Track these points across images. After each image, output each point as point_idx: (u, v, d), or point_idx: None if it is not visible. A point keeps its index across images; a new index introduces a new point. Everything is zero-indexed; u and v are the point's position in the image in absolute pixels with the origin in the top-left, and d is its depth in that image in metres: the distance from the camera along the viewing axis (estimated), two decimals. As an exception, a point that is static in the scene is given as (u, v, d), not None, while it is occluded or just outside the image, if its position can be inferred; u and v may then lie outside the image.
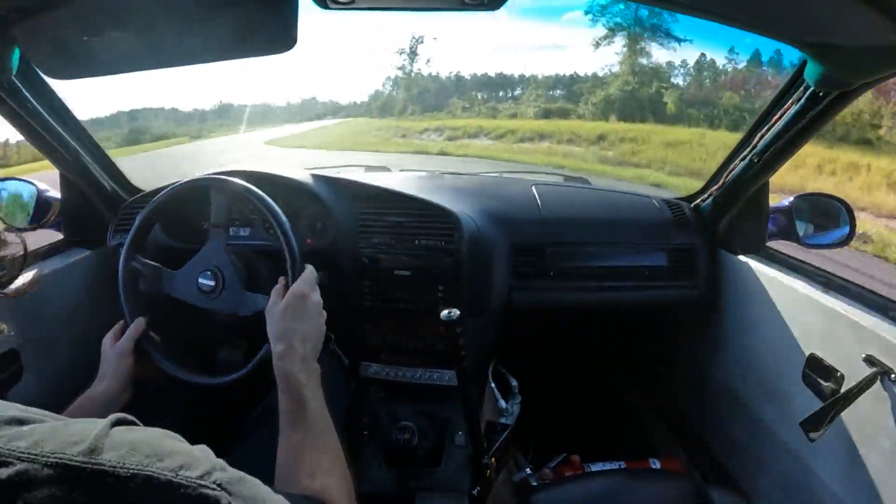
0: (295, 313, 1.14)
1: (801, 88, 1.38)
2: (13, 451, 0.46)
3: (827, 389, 1.42)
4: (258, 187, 1.36)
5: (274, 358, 1.07)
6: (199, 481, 0.49)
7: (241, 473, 0.56)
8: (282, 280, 1.23)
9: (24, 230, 1.65)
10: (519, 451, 1.84)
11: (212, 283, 1.35)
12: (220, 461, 0.55)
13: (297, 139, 27.42)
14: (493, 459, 1.65)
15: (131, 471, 0.47)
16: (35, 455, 0.46)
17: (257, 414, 1.48)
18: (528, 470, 1.75)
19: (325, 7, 1.21)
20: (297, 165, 1.90)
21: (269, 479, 0.92)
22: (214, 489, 0.50)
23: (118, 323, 1.36)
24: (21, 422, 0.50)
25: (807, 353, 1.51)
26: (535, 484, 1.68)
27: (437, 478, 1.61)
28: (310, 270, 1.24)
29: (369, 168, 2.30)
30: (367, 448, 1.65)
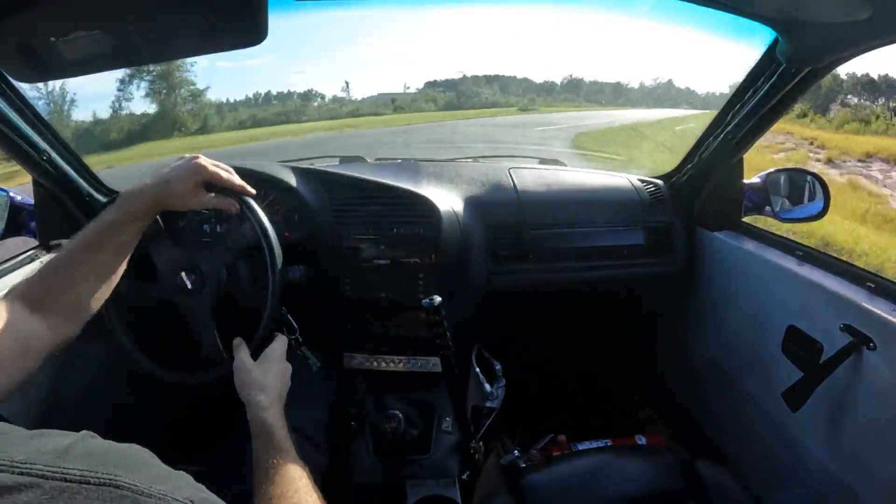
0: (267, 365, 1.18)
1: (773, 66, 1.40)
2: None
3: (806, 359, 1.45)
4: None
5: (252, 410, 1.08)
6: (170, 495, 0.49)
7: (216, 497, 0.56)
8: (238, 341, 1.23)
9: None
10: (506, 433, 1.86)
11: (193, 280, 1.34)
12: (198, 485, 0.55)
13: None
14: (480, 444, 1.66)
15: (101, 480, 0.47)
16: (6, 464, 0.45)
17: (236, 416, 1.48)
18: (516, 452, 1.76)
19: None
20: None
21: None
22: (184, 503, 0.50)
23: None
24: None
25: (785, 325, 1.54)
26: (523, 466, 1.69)
27: (427, 465, 1.62)
28: (282, 341, 1.26)
29: (344, 159, 2.28)
30: (355, 439, 1.66)
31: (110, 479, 0.47)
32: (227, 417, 1.33)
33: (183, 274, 1.35)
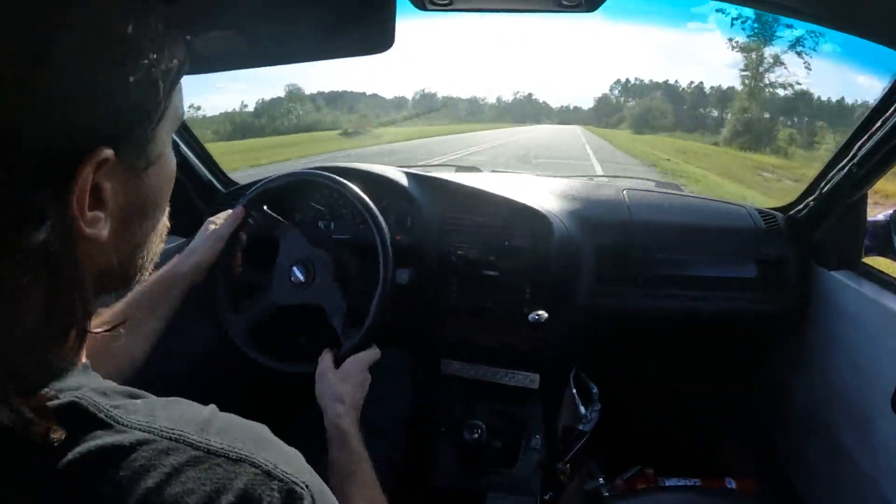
0: (349, 376, 1.23)
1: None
2: (135, 421, 0.49)
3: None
4: (349, 182, 1.40)
5: (329, 417, 1.14)
6: (291, 477, 0.51)
7: (324, 484, 0.58)
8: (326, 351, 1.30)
9: None
10: (594, 459, 1.82)
11: (303, 274, 1.39)
12: (309, 467, 0.58)
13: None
14: (567, 466, 1.63)
15: (240, 455, 0.50)
16: (154, 428, 0.49)
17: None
18: (601, 479, 1.72)
19: (423, 8, 1.23)
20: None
21: None
22: (302, 488, 0.52)
23: (226, 212, 1.44)
24: (133, 395, 0.53)
25: None
26: (606, 494, 1.66)
27: (510, 479, 1.61)
28: (373, 353, 1.31)
29: (460, 168, 2.31)
30: (441, 443, 1.66)
31: (245, 456, 0.50)
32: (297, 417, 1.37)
33: (295, 268, 1.40)
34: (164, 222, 0.65)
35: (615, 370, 2.07)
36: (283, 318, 1.45)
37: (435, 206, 1.71)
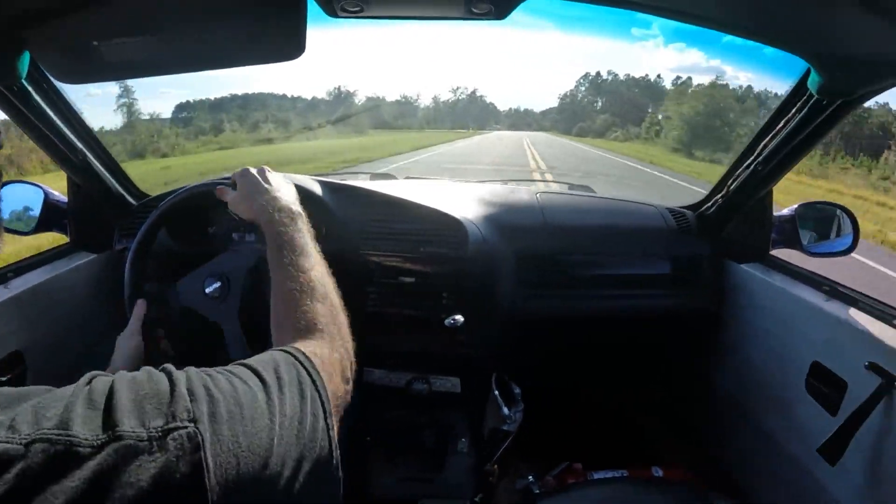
0: (261, 184, 1.13)
1: (805, 97, 1.39)
2: None
3: (830, 397, 1.43)
4: None
5: (285, 201, 1.09)
6: (167, 426, 0.49)
7: (203, 378, 0.56)
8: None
9: (27, 234, 1.67)
10: (522, 459, 1.84)
11: (218, 289, 1.35)
12: (184, 374, 0.56)
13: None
14: (495, 467, 1.65)
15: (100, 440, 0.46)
16: (12, 436, 0.45)
17: None
18: (530, 478, 1.74)
19: (335, 16, 1.22)
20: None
21: None
22: (186, 425, 0.50)
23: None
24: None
25: (810, 361, 1.51)
26: (537, 492, 1.68)
27: (440, 484, 1.61)
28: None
29: (374, 175, 2.30)
30: (370, 453, 1.65)
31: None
32: None
33: (208, 280, 1.36)
34: None
35: (539, 371, 2.11)
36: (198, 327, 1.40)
37: (350, 215, 1.69)
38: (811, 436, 1.41)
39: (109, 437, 0.47)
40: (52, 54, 1.09)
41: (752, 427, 1.80)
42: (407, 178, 2.33)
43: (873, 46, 1.07)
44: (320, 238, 1.65)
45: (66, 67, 1.13)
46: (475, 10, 1.20)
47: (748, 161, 1.66)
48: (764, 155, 1.60)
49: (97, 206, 1.72)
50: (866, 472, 1.33)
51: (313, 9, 1.15)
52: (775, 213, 1.79)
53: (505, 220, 1.84)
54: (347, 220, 1.67)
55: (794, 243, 1.77)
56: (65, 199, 1.71)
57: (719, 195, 1.85)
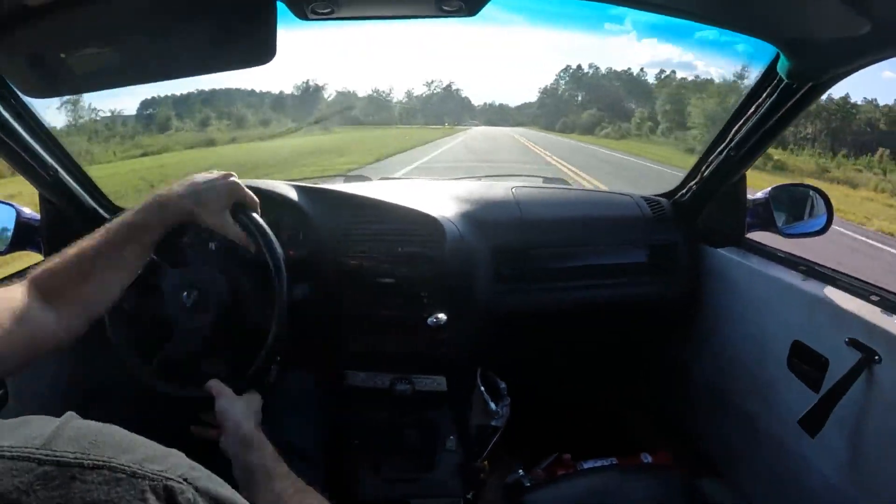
0: (249, 418, 1.16)
1: (774, 82, 1.40)
2: None
3: (812, 374, 1.45)
4: None
5: (246, 431, 1.10)
6: (163, 473, 0.47)
7: (210, 472, 0.54)
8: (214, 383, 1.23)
9: (1, 254, 1.63)
10: (511, 453, 1.84)
11: (195, 299, 1.33)
12: (192, 462, 0.53)
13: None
14: (485, 463, 1.65)
15: (95, 462, 0.45)
16: None
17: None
18: (520, 471, 1.74)
19: (305, 19, 1.21)
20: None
21: None
22: (179, 482, 0.48)
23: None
24: None
25: (790, 341, 1.53)
26: (527, 485, 1.68)
27: (430, 483, 1.61)
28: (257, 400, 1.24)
29: (348, 178, 2.29)
30: (357, 457, 1.65)
31: (104, 462, 0.45)
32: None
33: (185, 293, 1.34)
34: None
35: (523, 365, 2.11)
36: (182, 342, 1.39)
37: (327, 218, 1.67)
38: (794, 414, 1.43)
39: None
40: (17, 68, 1.07)
41: (734, 409, 1.82)
42: (382, 178, 2.32)
43: (840, 30, 1.08)
44: (297, 243, 1.65)
45: (32, 81, 1.11)
46: (445, 8, 1.19)
47: (721, 147, 1.68)
48: (736, 140, 1.62)
49: (70, 221, 1.68)
50: (848, 447, 1.36)
51: (283, 12, 1.14)
52: (749, 197, 1.81)
53: (481, 217, 1.84)
54: (324, 223, 1.66)
55: (770, 225, 1.79)
56: (37, 216, 1.67)
57: (693, 182, 1.86)
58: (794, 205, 1.80)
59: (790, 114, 1.45)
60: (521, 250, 1.85)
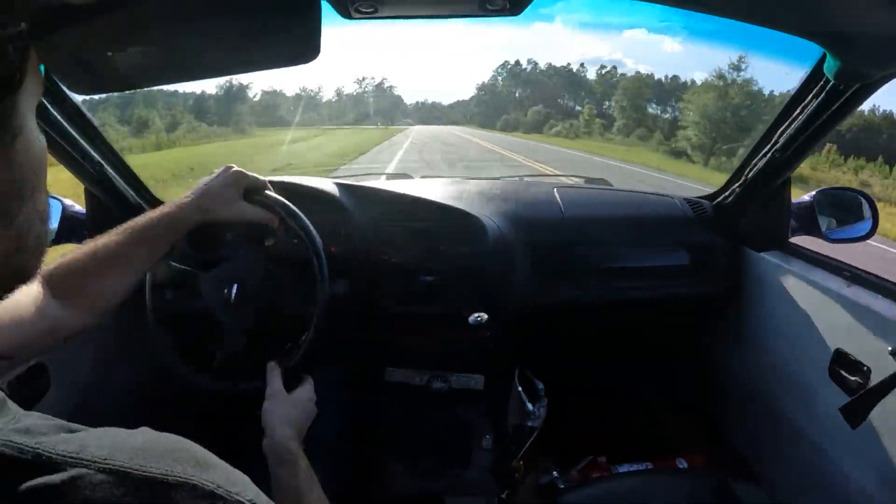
0: (300, 403, 1.20)
1: (821, 83, 1.38)
2: (64, 455, 0.46)
3: (853, 384, 1.41)
4: (281, 196, 1.37)
5: (277, 438, 1.10)
6: (236, 496, 0.49)
7: (269, 499, 0.56)
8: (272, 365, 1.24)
9: None
10: (545, 454, 1.84)
11: (236, 294, 1.36)
12: (255, 486, 0.55)
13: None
14: (520, 463, 1.65)
15: (179, 480, 0.47)
16: (87, 460, 0.46)
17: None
18: (555, 473, 1.74)
19: (349, 17, 1.22)
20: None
21: None
22: None
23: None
24: (62, 429, 0.51)
25: (833, 349, 1.50)
26: (562, 486, 1.68)
27: (466, 481, 1.62)
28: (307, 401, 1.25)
29: (391, 175, 2.32)
30: (392, 452, 1.66)
31: (186, 479, 0.48)
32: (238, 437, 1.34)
33: (226, 289, 1.37)
34: (45, 203, 0.59)
35: (559, 365, 2.10)
36: (214, 335, 1.41)
37: (368, 215, 1.69)
38: (832, 420, 1.41)
39: None
40: (64, 65, 1.09)
41: (771, 413, 1.79)
42: (423, 176, 2.33)
43: (889, 27, 1.06)
44: (339, 240, 1.67)
45: (78, 78, 1.13)
46: (490, 7, 1.20)
47: (765, 149, 1.65)
48: (781, 143, 1.59)
49: (115, 215, 1.72)
50: (885, 455, 1.33)
51: (327, 11, 1.15)
52: (793, 201, 1.78)
53: (522, 214, 1.84)
54: (365, 221, 1.67)
55: (813, 230, 1.76)
56: (82, 210, 1.72)
57: (737, 184, 1.83)
58: (838, 209, 1.75)
59: (837, 115, 1.41)
60: (561, 246, 1.84)
